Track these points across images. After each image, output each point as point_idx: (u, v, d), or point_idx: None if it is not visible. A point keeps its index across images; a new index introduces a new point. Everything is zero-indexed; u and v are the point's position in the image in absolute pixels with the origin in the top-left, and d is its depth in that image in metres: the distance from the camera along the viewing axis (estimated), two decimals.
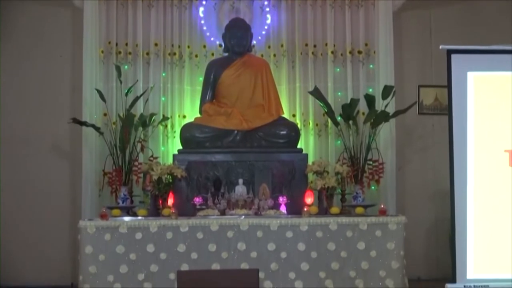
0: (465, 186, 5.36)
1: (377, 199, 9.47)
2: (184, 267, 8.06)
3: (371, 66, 10.15)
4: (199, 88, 9.95)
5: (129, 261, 8.17)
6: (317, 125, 10.07)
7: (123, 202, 9.09)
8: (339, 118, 9.66)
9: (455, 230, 5.23)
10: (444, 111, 10.04)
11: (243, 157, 9.24)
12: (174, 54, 10.08)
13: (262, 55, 10.15)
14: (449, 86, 5.40)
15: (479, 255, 5.19)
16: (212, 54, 10.17)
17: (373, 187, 9.63)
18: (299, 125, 9.84)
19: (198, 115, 9.74)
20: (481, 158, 5.40)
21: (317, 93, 9.68)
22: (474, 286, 5.07)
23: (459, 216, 5.26)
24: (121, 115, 9.48)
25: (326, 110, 9.66)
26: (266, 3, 10.30)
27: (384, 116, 9.38)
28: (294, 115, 10.06)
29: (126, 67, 9.92)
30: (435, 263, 10.01)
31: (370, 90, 9.96)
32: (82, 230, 8.28)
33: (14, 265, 9.76)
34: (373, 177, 9.55)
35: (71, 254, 9.62)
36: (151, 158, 9.47)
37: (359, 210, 8.82)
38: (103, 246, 8.20)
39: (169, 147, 9.90)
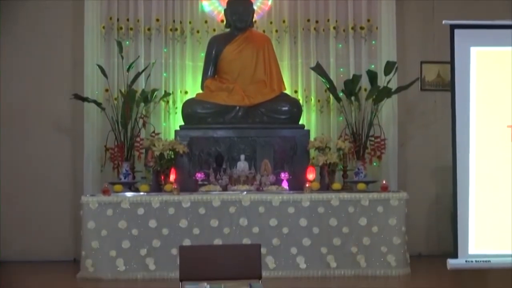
0: (467, 162, 5.34)
1: (378, 175, 9.48)
2: (186, 242, 8.11)
3: (373, 42, 10.10)
4: (200, 64, 9.92)
5: (132, 237, 8.21)
6: (319, 101, 10.05)
7: (125, 178, 9.10)
8: (341, 94, 9.64)
9: (457, 205, 5.22)
10: (446, 87, 10.02)
11: (245, 133, 9.24)
12: (176, 29, 10.03)
13: (264, 31, 10.10)
14: (452, 61, 5.37)
15: (480, 230, 5.18)
16: (214, 30, 10.12)
17: (375, 163, 9.62)
18: (301, 101, 9.82)
19: (200, 91, 9.72)
20: (483, 134, 5.38)
21: (319, 69, 9.65)
22: (476, 261, 5.07)
23: (461, 191, 5.24)
24: (123, 91, 9.47)
25: (328, 86, 9.63)
26: None
27: (386, 92, 9.36)
28: (296, 91, 10.03)
29: (127, 42, 9.88)
30: (436, 239, 10.03)
31: (372, 66, 9.93)
32: (85, 205, 8.32)
33: (17, 240, 9.79)
34: (375, 153, 9.55)
35: (73, 229, 9.65)
36: (153, 134, 9.47)
37: (361, 186, 8.85)
38: (105, 221, 8.24)
39: (170, 123, 9.88)
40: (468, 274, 7.86)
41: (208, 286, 5.77)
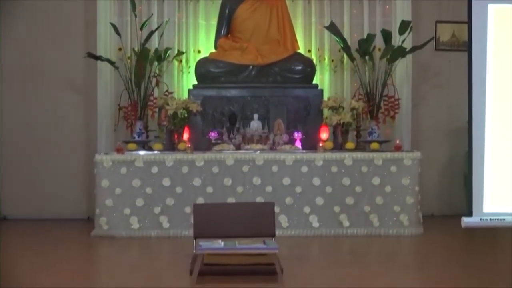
0: (483, 121, 5.31)
1: (392, 135, 9.45)
2: (200, 201, 8.14)
3: (388, 1, 9.99)
4: (214, 23, 9.87)
5: (145, 195, 8.25)
6: (332, 60, 9.99)
7: (138, 137, 9.11)
8: (355, 53, 9.58)
9: (472, 163, 5.20)
10: (461, 47, 9.95)
11: (258, 92, 9.21)
12: None
13: None
14: (469, 19, 5.30)
15: (495, 189, 5.16)
16: None
17: (388, 123, 9.58)
18: (314, 61, 9.76)
19: (213, 50, 9.68)
20: (499, 94, 5.33)
21: (333, 28, 9.58)
22: (490, 219, 5.07)
23: (476, 150, 5.22)
24: (136, 49, 9.43)
25: (342, 46, 9.57)
26: None
27: (400, 52, 9.29)
28: (309, 51, 9.97)
29: (141, 1, 9.80)
30: (448, 200, 10.04)
31: (387, 26, 9.82)
32: (98, 164, 8.35)
33: (31, 199, 9.86)
34: (389, 113, 9.52)
35: (87, 188, 9.69)
36: (166, 93, 9.47)
37: (374, 145, 8.84)
38: (119, 179, 8.28)
39: (184, 82, 9.86)
40: (480, 234, 7.89)
41: (222, 243, 5.83)
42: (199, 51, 9.93)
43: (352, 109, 9.14)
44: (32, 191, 9.89)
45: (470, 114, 5.29)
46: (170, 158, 8.30)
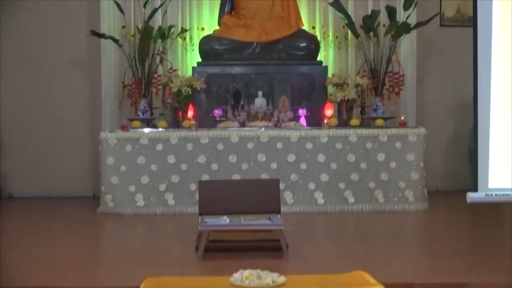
0: (488, 96, 5.29)
1: (397, 112, 9.43)
2: (205, 178, 8.15)
3: None
4: (217, 0, 9.80)
5: (150, 172, 8.27)
6: (337, 37, 9.94)
7: (143, 114, 9.11)
8: (359, 30, 9.54)
9: (477, 139, 5.20)
10: (466, 23, 9.89)
11: (262, 70, 9.20)
12: None
13: None
14: None
15: (501, 164, 5.16)
16: None
17: (393, 100, 9.56)
18: (318, 37, 9.72)
19: (217, 27, 9.65)
20: (505, 69, 5.32)
21: (337, 5, 9.52)
22: (496, 194, 5.07)
23: (481, 125, 5.21)
24: (140, 27, 9.40)
25: (346, 22, 9.52)
26: None
27: (405, 28, 9.25)
28: (313, 27, 9.92)
29: None
30: (453, 176, 10.04)
31: (391, 2, 9.75)
32: (103, 141, 8.36)
33: (37, 177, 9.89)
34: (393, 89, 9.50)
35: (92, 166, 9.71)
36: (170, 71, 9.44)
37: (379, 122, 8.83)
38: (124, 157, 8.29)
39: (188, 59, 9.83)
40: (484, 210, 7.90)
41: (228, 219, 5.85)
42: (202, 29, 9.88)
43: (357, 85, 9.13)
44: (37, 170, 9.91)
45: (476, 90, 5.28)
46: (174, 135, 8.31)
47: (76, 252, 6.13)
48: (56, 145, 9.92)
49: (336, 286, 3.95)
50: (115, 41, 9.29)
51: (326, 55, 9.84)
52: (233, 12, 9.69)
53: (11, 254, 6.11)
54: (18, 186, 9.91)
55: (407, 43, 9.65)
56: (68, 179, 9.86)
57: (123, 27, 9.57)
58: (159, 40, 9.40)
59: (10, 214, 8.77)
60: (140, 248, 6.46)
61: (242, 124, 8.65)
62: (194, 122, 8.39)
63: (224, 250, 5.83)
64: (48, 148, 9.93)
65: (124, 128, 8.43)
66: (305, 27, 9.72)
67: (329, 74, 9.32)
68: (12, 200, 9.80)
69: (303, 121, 8.74)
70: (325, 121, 8.47)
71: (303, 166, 8.29)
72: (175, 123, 8.83)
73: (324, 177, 8.30)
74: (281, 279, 4.00)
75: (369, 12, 9.56)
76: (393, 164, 8.32)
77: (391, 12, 9.36)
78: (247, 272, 4.00)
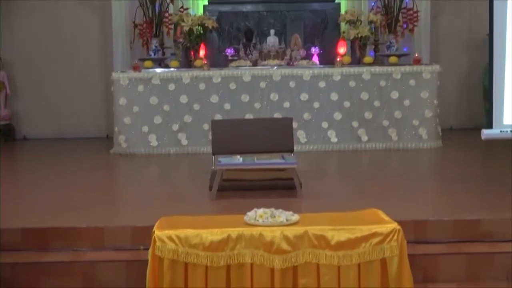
0: (504, 32, 5.21)
1: (411, 48, 9.32)
2: (218, 117, 8.13)
3: None
4: None
5: (163, 112, 8.26)
6: None
7: (154, 54, 9.06)
8: None
9: (492, 77, 5.14)
10: None
11: (274, 7, 9.09)
12: None
13: None
14: None
15: None
16: None
17: (407, 36, 9.44)
18: None
19: None
20: None
21: None
22: (511, 131, 5.04)
23: (497, 62, 5.14)
24: None
25: None
26: None
27: None
28: None
29: None
30: (467, 113, 9.98)
31: None
32: (115, 82, 8.33)
33: (51, 119, 9.91)
34: (407, 26, 9.37)
35: (105, 106, 9.72)
36: (181, 9, 9.34)
37: (393, 59, 8.74)
38: (136, 97, 8.27)
39: None
40: (499, 147, 7.86)
41: (241, 159, 5.84)
42: None
43: (370, 22, 9.02)
44: (50, 111, 9.94)
45: (491, 26, 5.20)
46: (186, 75, 8.26)
47: (91, 193, 6.16)
48: (68, 86, 9.92)
49: (349, 224, 3.96)
50: None
51: None
52: None
53: (28, 195, 6.16)
54: (32, 128, 9.96)
55: None
56: (81, 120, 9.89)
57: None
58: None
59: (25, 156, 8.81)
60: (154, 188, 6.48)
61: (254, 63, 8.59)
62: (206, 62, 8.33)
63: (237, 189, 5.84)
64: (61, 89, 9.94)
65: (136, 68, 8.39)
66: None
67: (342, 11, 9.20)
68: (26, 141, 9.84)
69: (315, 59, 8.67)
70: (338, 59, 8.39)
71: (316, 104, 8.25)
72: (187, 63, 8.78)
73: (337, 116, 8.26)
74: (295, 217, 4.02)
75: None
76: (406, 102, 8.26)
77: None
78: (260, 211, 4.02)
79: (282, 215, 3.98)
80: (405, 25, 9.29)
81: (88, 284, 4.52)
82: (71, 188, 6.36)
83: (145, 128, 8.24)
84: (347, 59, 8.60)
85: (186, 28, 8.75)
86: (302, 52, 8.66)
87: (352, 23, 8.97)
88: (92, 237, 4.77)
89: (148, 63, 8.73)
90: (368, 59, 8.70)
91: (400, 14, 9.30)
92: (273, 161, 5.79)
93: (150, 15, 9.17)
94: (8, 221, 4.91)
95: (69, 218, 5.11)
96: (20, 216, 5.20)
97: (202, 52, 8.46)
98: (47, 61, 9.90)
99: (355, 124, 8.27)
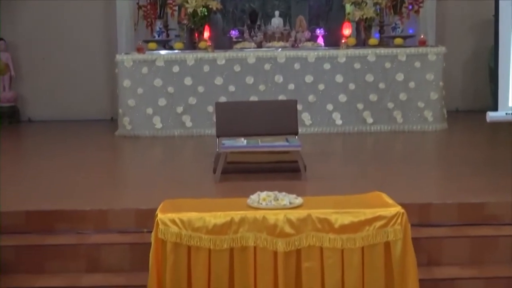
0: (509, 14, 5.18)
1: (416, 30, 9.26)
2: (222, 99, 8.11)
3: None
4: None
5: (167, 94, 8.25)
6: None
7: (159, 36, 9.02)
8: None
9: (498, 57, 5.11)
10: None
11: None
12: None
13: None
14: None
15: None
16: None
17: (412, 18, 9.38)
18: None
19: None
20: None
21: None
22: None
23: (502, 44, 5.11)
24: None
25: None
26: None
27: None
28: None
29: None
30: (473, 95, 9.93)
31: None
32: (119, 64, 8.31)
33: (55, 101, 9.91)
34: (413, 7, 9.30)
35: (109, 88, 9.69)
36: None
37: (398, 41, 8.69)
38: (140, 79, 8.26)
39: None
40: (504, 130, 7.83)
41: (245, 141, 5.83)
42: None
43: (375, 3, 8.94)
44: (55, 93, 9.93)
45: (497, 6, 5.16)
46: (191, 57, 8.24)
47: (95, 176, 6.16)
48: (73, 68, 9.90)
49: (353, 207, 3.95)
50: None
51: None
52: None
53: (32, 178, 6.16)
54: (37, 110, 9.95)
55: None
56: (85, 102, 9.88)
57: None
58: None
59: (30, 138, 8.82)
60: (158, 171, 6.48)
61: (259, 45, 8.56)
62: (210, 43, 8.30)
63: (241, 172, 5.83)
64: (65, 71, 9.92)
65: (140, 50, 8.36)
66: None
67: None
68: (31, 123, 9.84)
69: (320, 41, 8.63)
70: (343, 41, 8.34)
71: (321, 86, 8.22)
72: (191, 45, 8.75)
73: (342, 98, 8.23)
74: (298, 200, 4.01)
75: None
76: (412, 84, 8.23)
77: None
78: (264, 194, 4.00)
79: (286, 198, 3.97)
80: (410, 7, 9.21)
81: (92, 266, 4.53)
82: (75, 170, 6.36)
83: (149, 110, 8.23)
84: (352, 40, 8.56)
85: (190, 10, 8.70)
86: (307, 34, 8.62)
87: (357, 4, 8.90)
88: (96, 219, 4.79)
89: (152, 45, 8.70)
90: (373, 41, 8.65)
91: None
92: (278, 143, 5.79)
93: None
94: (12, 203, 4.93)
95: (74, 200, 5.12)
96: (25, 198, 5.22)
97: (206, 34, 8.42)
98: (51, 43, 9.88)
99: (360, 106, 8.24)
